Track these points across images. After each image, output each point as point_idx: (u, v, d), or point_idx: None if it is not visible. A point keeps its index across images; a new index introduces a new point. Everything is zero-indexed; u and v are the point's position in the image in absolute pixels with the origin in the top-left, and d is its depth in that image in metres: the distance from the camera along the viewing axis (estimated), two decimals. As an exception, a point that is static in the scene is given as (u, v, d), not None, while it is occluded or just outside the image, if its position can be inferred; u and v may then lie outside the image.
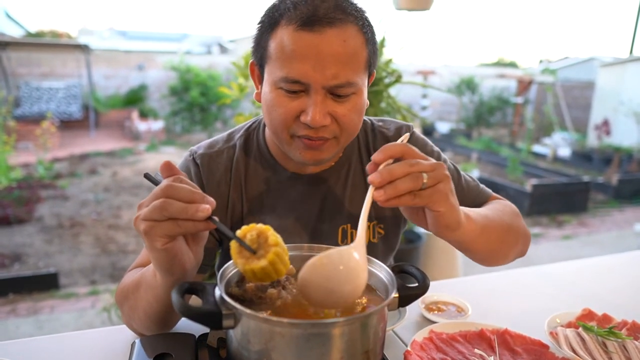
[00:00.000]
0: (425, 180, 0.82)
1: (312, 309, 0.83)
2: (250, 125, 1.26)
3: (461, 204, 1.28)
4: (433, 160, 0.86)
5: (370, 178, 0.83)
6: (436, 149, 1.30)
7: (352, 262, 0.80)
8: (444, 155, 1.30)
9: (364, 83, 1.04)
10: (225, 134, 1.26)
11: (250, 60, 1.11)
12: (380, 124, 1.30)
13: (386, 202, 0.83)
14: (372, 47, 1.04)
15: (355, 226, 1.21)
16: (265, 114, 1.06)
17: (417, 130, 1.33)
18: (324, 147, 1.05)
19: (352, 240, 1.20)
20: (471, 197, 1.29)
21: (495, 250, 1.12)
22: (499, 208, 1.21)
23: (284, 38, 0.97)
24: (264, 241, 0.80)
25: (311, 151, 1.05)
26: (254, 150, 1.22)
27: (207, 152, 1.20)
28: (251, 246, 0.80)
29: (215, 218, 0.80)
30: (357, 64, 1.00)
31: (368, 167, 0.86)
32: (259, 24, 1.05)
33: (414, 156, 0.86)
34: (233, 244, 0.80)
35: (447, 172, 0.87)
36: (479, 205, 1.28)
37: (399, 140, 0.96)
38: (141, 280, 0.98)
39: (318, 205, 1.20)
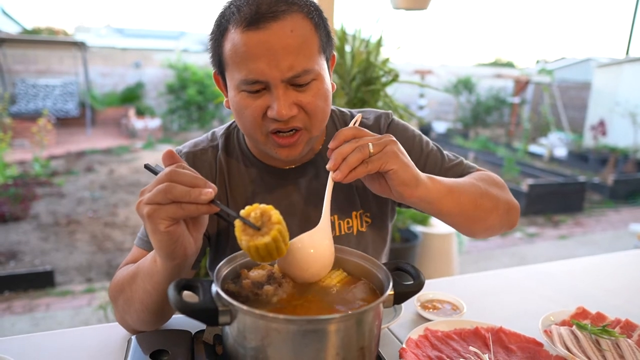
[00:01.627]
0: (371, 150, 0.93)
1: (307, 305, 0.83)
2: (231, 125, 1.28)
3: None
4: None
5: (327, 166, 0.95)
6: (417, 132, 1.31)
7: (321, 244, 0.93)
8: (425, 138, 1.31)
9: (322, 68, 1.06)
10: (208, 133, 1.29)
11: (213, 71, 1.13)
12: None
13: (345, 179, 0.93)
14: (323, 30, 1.06)
15: (341, 217, 1.23)
16: (236, 118, 1.09)
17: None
18: (298, 141, 1.07)
19: (340, 232, 1.22)
20: (456, 173, 1.29)
21: (470, 214, 1.13)
22: (476, 176, 1.22)
23: (235, 41, 0.99)
24: (267, 219, 0.82)
25: (286, 149, 1.08)
26: (235, 148, 1.24)
27: (191, 150, 1.23)
28: (255, 224, 0.82)
29: (218, 201, 0.83)
30: (310, 50, 1.01)
31: (328, 153, 0.98)
32: (210, 34, 1.07)
33: (364, 135, 0.97)
34: (237, 223, 0.82)
35: (394, 138, 0.98)
36: None
37: (350, 124, 1.06)
38: (138, 270, 0.98)
39: (302, 199, 1.22)
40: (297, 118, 1.04)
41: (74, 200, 6.65)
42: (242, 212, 0.83)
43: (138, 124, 11.83)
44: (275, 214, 0.82)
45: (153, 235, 0.84)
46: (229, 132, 1.27)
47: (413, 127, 1.32)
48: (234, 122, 1.28)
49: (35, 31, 16.56)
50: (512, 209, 1.24)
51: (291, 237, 0.89)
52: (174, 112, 12.85)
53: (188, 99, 12.45)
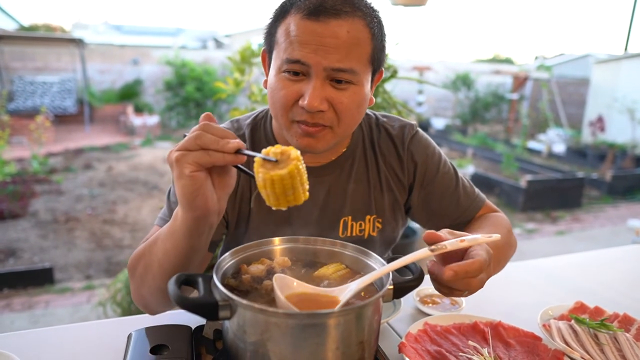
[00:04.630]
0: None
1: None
2: (257, 115, 1.28)
3: (454, 211, 1.30)
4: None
5: (447, 275, 0.85)
6: (437, 150, 1.31)
7: None
8: (444, 157, 1.31)
9: (366, 77, 1.06)
10: (231, 122, 1.28)
11: (262, 48, 1.15)
12: (385, 119, 1.31)
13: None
14: (378, 43, 1.07)
15: (355, 219, 1.23)
16: (269, 98, 1.10)
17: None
18: (320, 135, 1.07)
19: (352, 233, 1.22)
20: (465, 204, 1.31)
21: (497, 269, 1.17)
22: (498, 228, 1.22)
23: (291, 25, 1.01)
24: (286, 157, 0.82)
25: (307, 138, 1.07)
26: (262, 140, 1.24)
27: None
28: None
29: (244, 150, 0.84)
30: (360, 54, 1.02)
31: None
32: (273, 13, 1.09)
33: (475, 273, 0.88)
34: (257, 159, 0.82)
35: (489, 266, 0.91)
36: (471, 212, 1.31)
37: (486, 240, 0.92)
38: (158, 234, 0.99)
39: (322, 198, 1.22)
40: (325, 116, 1.04)
41: (72, 197, 6.64)
42: (263, 151, 0.84)
43: (136, 121, 11.81)
44: (294, 152, 0.82)
45: (178, 180, 0.85)
46: (255, 123, 1.26)
47: (435, 144, 1.32)
48: (260, 112, 1.28)
49: (33, 28, 16.53)
50: (515, 251, 1.28)
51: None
52: (172, 108, 12.83)
53: (186, 95, 12.43)
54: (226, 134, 0.86)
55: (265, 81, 1.14)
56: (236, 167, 0.90)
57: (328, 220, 1.22)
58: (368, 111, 1.32)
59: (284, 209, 0.85)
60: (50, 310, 3.71)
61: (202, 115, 0.93)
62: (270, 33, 1.08)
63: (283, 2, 1.07)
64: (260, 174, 0.81)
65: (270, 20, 1.09)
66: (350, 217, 1.23)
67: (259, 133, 1.24)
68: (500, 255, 1.14)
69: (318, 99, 1.00)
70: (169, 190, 1.19)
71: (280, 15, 1.05)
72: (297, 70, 1.02)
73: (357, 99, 1.05)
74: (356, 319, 0.76)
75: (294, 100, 1.04)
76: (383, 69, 1.15)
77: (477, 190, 1.34)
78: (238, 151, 0.84)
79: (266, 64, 1.15)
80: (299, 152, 0.82)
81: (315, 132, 1.06)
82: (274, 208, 0.85)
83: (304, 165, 0.83)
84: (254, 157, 0.83)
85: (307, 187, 0.84)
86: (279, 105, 1.06)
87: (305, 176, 0.83)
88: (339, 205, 1.23)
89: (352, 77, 1.02)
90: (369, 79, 1.09)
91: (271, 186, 0.80)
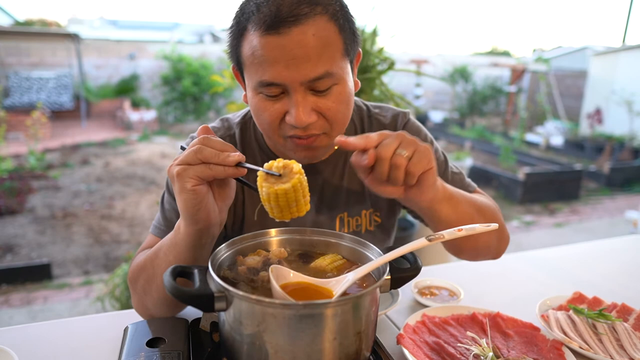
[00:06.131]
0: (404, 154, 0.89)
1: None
2: (247, 114, 1.25)
3: None
4: None
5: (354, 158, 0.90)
6: (430, 136, 1.29)
7: None
8: (436, 144, 1.29)
9: (345, 71, 1.00)
10: (221, 120, 1.26)
11: (231, 65, 1.09)
12: (377, 110, 1.28)
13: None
14: (348, 32, 0.99)
15: (351, 214, 1.22)
16: (254, 118, 1.06)
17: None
18: (316, 144, 1.04)
19: (349, 229, 1.21)
20: (455, 185, 1.28)
21: (463, 223, 1.06)
22: (475, 195, 1.20)
23: (253, 44, 0.94)
24: (289, 171, 0.84)
25: (304, 151, 1.05)
26: (252, 140, 1.22)
27: None
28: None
29: (245, 163, 0.86)
30: (332, 54, 0.95)
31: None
32: (229, 29, 1.03)
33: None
34: (260, 174, 0.85)
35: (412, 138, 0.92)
36: None
37: (484, 229, 0.91)
38: (160, 246, 1.00)
39: (317, 196, 1.20)
40: (317, 125, 0.99)
41: (70, 193, 6.63)
42: (266, 165, 0.86)
43: (133, 116, 11.76)
44: (297, 165, 0.84)
45: (179, 195, 0.86)
46: (244, 123, 1.23)
47: (427, 130, 1.30)
48: (248, 112, 1.25)
49: (28, 23, 16.42)
50: (503, 238, 1.21)
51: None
52: (169, 103, 12.79)
53: (183, 90, 12.39)
54: (226, 147, 0.87)
55: (245, 96, 1.09)
56: (237, 179, 0.91)
57: (325, 218, 1.21)
58: (359, 102, 1.29)
59: (287, 220, 0.87)
60: (49, 306, 3.71)
61: (199, 128, 0.93)
62: (235, 52, 1.02)
63: (237, 17, 0.99)
64: (264, 188, 0.83)
65: (230, 37, 1.03)
66: (346, 213, 1.22)
67: (248, 133, 1.22)
68: (461, 196, 1.08)
69: (305, 114, 0.95)
70: (162, 197, 1.18)
71: (239, 32, 0.98)
72: (274, 93, 0.97)
73: (344, 97, 1.00)
74: (353, 309, 0.76)
75: (279, 119, 0.99)
76: (360, 50, 1.08)
77: (467, 179, 1.31)
78: (238, 164, 0.86)
79: (240, 79, 1.10)
80: (300, 166, 0.84)
81: (311, 144, 1.03)
82: (277, 220, 0.87)
83: (305, 178, 0.85)
84: (255, 170, 0.86)
85: (308, 198, 0.86)
86: (267, 126, 1.03)
87: (307, 188, 0.86)
88: (334, 202, 1.21)
89: (332, 79, 0.96)
90: (349, 70, 1.02)
91: (275, 200, 0.83)
